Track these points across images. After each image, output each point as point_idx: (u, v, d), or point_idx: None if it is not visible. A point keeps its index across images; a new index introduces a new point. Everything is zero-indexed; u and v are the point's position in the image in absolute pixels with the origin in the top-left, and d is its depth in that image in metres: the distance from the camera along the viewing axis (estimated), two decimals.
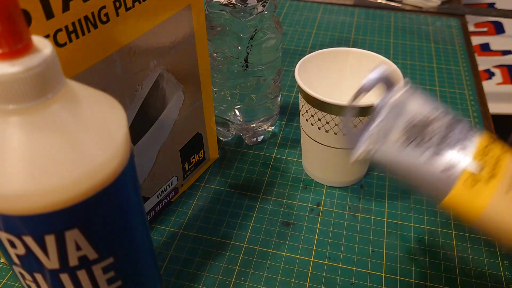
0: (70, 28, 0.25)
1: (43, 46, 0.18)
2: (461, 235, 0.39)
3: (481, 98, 0.54)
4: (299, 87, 0.39)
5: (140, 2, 0.29)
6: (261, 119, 0.46)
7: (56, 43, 0.25)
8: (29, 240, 0.20)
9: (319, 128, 0.39)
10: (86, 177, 0.19)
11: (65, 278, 0.22)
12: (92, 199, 0.20)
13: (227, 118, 0.46)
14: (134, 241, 0.24)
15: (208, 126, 0.43)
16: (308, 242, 0.39)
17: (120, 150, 0.20)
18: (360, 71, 0.43)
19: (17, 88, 0.17)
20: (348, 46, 0.64)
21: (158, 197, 0.39)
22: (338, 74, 0.44)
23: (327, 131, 0.38)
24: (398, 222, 0.40)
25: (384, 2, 0.73)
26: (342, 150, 0.39)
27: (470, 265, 0.37)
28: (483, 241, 0.39)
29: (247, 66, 0.41)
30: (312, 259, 0.37)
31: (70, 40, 0.25)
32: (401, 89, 0.28)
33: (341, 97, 0.45)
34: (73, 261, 0.21)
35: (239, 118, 0.45)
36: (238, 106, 0.45)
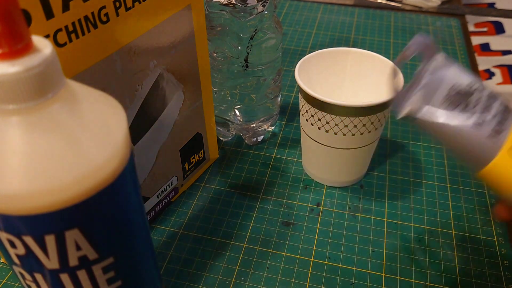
0: (70, 28, 0.25)
1: (43, 46, 0.18)
2: (461, 235, 0.39)
3: None
4: (299, 87, 0.39)
5: (140, 2, 0.29)
6: (261, 119, 0.46)
7: (56, 43, 0.25)
8: (29, 240, 0.20)
9: (319, 128, 0.39)
10: (86, 177, 0.19)
11: (65, 278, 0.22)
12: (92, 199, 0.20)
13: (227, 118, 0.46)
14: (134, 241, 0.24)
15: (208, 126, 0.43)
16: (308, 242, 0.39)
17: (120, 150, 0.20)
18: (360, 71, 0.43)
19: (17, 88, 0.17)
20: (348, 46, 0.64)
21: (158, 197, 0.39)
22: (338, 74, 0.44)
23: (327, 131, 0.38)
24: (398, 222, 0.40)
25: (384, 2, 0.73)
26: (342, 150, 0.39)
27: (470, 265, 0.37)
28: (483, 241, 0.39)
29: (247, 66, 0.41)
30: (312, 259, 0.37)
31: (70, 40, 0.25)
32: (441, 57, 0.28)
33: (341, 97, 0.45)
34: (73, 261, 0.21)
35: (239, 118, 0.45)
36: (238, 106, 0.45)
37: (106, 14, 0.27)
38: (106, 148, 0.20)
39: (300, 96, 0.40)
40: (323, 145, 0.40)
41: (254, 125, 0.46)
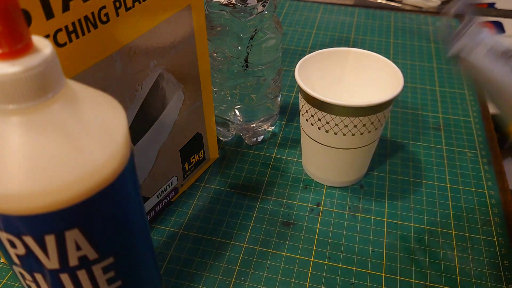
0: (70, 28, 0.25)
1: (43, 46, 0.18)
2: (461, 235, 0.39)
3: (481, 98, 0.54)
4: (299, 87, 0.39)
5: (140, 2, 0.29)
6: (261, 119, 0.46)
7: (56, 43, 0.25)
8: (29, 240, 0.20)
9: (319, 128, 0.39)
10: (86, 177, 0.19)
11: (65, 278, 0.22)
12: (92, 199, 0.20)
13: (227, 118, 0.46)
14: (134, 241, 0.24)
15: (208, 126, 0.43)
16: (308, 242, 0.39)
17: (120, 150, 0.20)
18: (360, 71, 0.43)
19: (17, 88, 0.17)
20: (348, 46, 0.64)
21: (158, 197, 0.39)
22: (338, 74, 0.44)
23: (327, 131, 0.38)
24: (398, 222, 0.40)
25: (384, 2, 0.73)
26: (342, 150, 0.39)
27: (470, 265, 0.37)
28: (483, 241, 0.39)
29: (247, 66, 0.41)
30: (312, 259, 0.37)
31: (70, 40, 0.25)
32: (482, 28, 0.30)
33: (341, 97, 0.45)
34: (73, 261, 0.21)
35: (239, 118, 0.45)
36: (238, 106, 0.45)
37: (106, 14, 0.27)
38: (106, 148, 0.20)
39: (300, 96, 0.40)
40: (323, 145, 0.40)
41: (254, 125, 0.46)
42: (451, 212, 0.41)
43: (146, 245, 0.25)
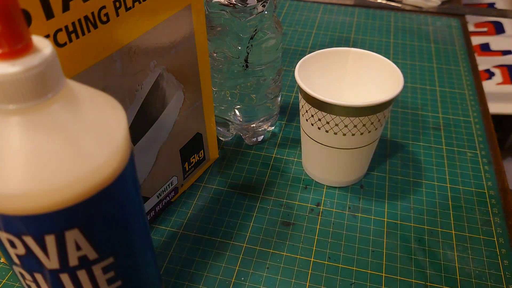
0: (70, 28, 0.25)
1: (43, 46, 0.18)
2: (461, 235, 0.39)
3: (481, 98, 0.54)
4: (299, 87, 0.39)
5: (140, 2, 0.29)
6: (261, 119, 0.46)
7: (56, 43, 0.25)
8: (29, 240, 0.20)
9: (319, 128, 0.39)
10: (86, 177, 0.19)
11: (65, 278, 0.22)
12: (92, 199, 0.20)
13: (227, 118, 0.46)
14: (134, 241, 0.24)
15: (208, 126, 0.43)
16: (308, 242, 0.39)
17: (120, 150, 0.20)
18: (360, 71, 0.43)
19: (17, 88, 0.17)
20: (348, 46, 0.64)
21: (158, 197, 0.39)
22: (338, 74, 0.44)
23: (327, 131, 0.38)
24: (398, 222, 0.40)
25: (384, 2, 0.73)
26: (342, 150, 0.39)
27: (470, 265, 0.37)
28: (483, 241, 0.39)
29: (247, 66, 0.41)
30: (312, 259, 0.37)
31: (70, 40, 0.25)
32: None
33: (341, 97, 0.45)
34: (73, 261, 0.21)
35: (239, 118, 0.45)
36: (238, 106, 0.45)
37: (106, 14, 0.27)
38: (106, 148, 0.20)
39: (300, 96, 0.40)
40: (323, 145, 0.40)
41: (254, 125, 0.46)
42: (451, 212, 0.41)
43: (146, 245, 0.25)
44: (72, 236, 0.20)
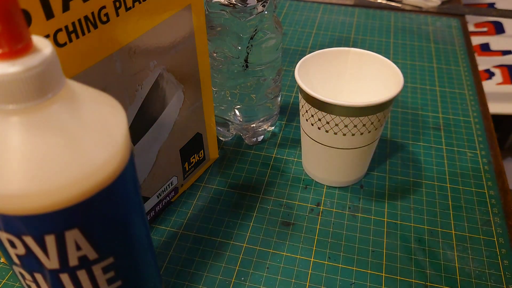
0: (70, 28, 0.25)
1: (43, 46, 0.18)
2: (461, 235, 0.39)
3: (481, 98, 0.54)
4: (299, 87, 0.39)
5: (140, 2, 0.29)
6: (261, 119, 0.46)
7: (56, 43, 0.25)
8: (29, 240, 0.20)
9: (319, 128, 0.39)
10: (86, 177, 0.19)
11: (65, 278, 0.22)
12: (92, 199, 0.20)
13: (227, 118, 0.46)
14: (134, 241, 0.24)
15: (208, 126, 0.43)
16: (308, 242, 0.39)
17: (120, 150, 0.20)
18: (360, 71, 0.43)
19: (17, 88, 0.17)
20: (348, 46, 0.64)
21: (158, 197, 0.39)
22: (338, 74, 0.44)
23: (327, 131, 0.38)
24: (398, 222, 0.40)
25: (384, 2, 0.73)
26: (342, 150, 0.39)
27: (470, 265, 0.37)
28: (483, 241, 0.39)
29: (247, 66, 0.41)
30: (312, 259, 0.37)
31: (70, 40, 0.25)
32: None
33: (341, 97, 0.45)
34: (73, 261, 0.21)
35: (239, 118, 0.45)
36: (238, 106, 0.45)
37: (106, 14, 0.27)
38: (106, 148, 0.20)
39: (300, 96, 0.40)
40: (323, 145, 0.40)
41: (254, 125, 0.46)
42: (451, 212, 0.41)
43: (146, 245, 0.25)
44: (72, 236, 0.20)
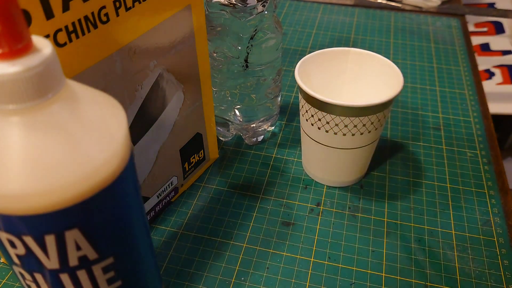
0: (70, 28, 0.25)
1: (43, 46, 0.18)
2: (461, 235, 0.39)
3: (481, 98, 0.54)
4: (299, 87, 0.39)
5: (140, 2, 0.29)
6: (261, 119, 0.46)
7: (56, 43, 0.25)
8: (29, 240, 0.20)
9: (319, 128, 0.39)
10: (86, 177, 0.19)
11: (65, 278, 0.22)
12: (92, 199, 0.20)
13: (227, 118, 0.46)
14: (134, 241, 0.24)
15: (208, 126, 0.43)
16: (308, 242, 0.39)
17: (120, 150, 0.20)
18: (360, 71, 0.43)
19: (17, 88, 0.17)
20: (348, 46, 0.64)
21: (158, 197, 0.39)
22: (338, 74, 0.44)
23: (327, 131, 0.38)
24: (398, 222, 0.40)
25: (384, 2, 0.73)
26: (342, 150, 0.39)
27: (470, 265, 0.37)
28: (483, 241, 0.39)
29: (247, 66, 0.41)
30: (312, 259, 0.37)
31: (70, 40, 0.25)
32: None
33: (341, 97, 0.45)
34: (73, 261, 0.21)
35: (239, 118, 0.45)
36: (238, 106, 0.45)
37: (106, 14, 0.27)
38: (106, 148, 0.20)
39: (300, 96, 0.40)
40: (323, 145, 0.40)
41: (254, 125, 0.46)
42: (451, 212, 0.41)
43: (146, 245, 0.25)
44: (72, 236, 0.20)
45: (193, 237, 0.39)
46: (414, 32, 0.66)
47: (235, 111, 0.45)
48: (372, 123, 0.37)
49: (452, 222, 0.40)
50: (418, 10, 0.72)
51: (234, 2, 0.38)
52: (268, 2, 0.39)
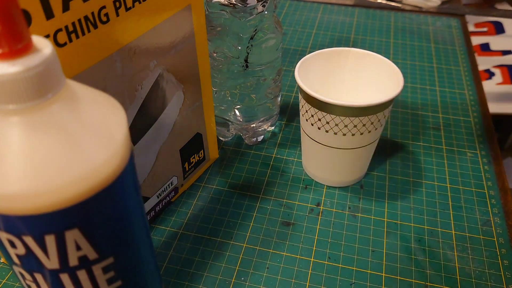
0: (70, 28, 0.25)
1: (43, 46, 0.18)
2: (461, 235, 0.39)
3: (481, 98, 0.54)
4: (299, 87, 0.39)
5: (140, 2, 0.29)
6: (261, 119, 0.46)
7: (56, 43, 0.25)
8: (29, 240, 0.20)
9: (319, 128, 0.39)
10: (86, 177, 0.19)
11: (65, 278, 0.22)
12: (92, 199, 0.20)
13: (227, 118, 0.46)
14: (134, 241, 0.24)
15: (208, 126, 0.43)
16: (308, 242, 0.39)
17: (120, 150, 0.20)
18: (360, 71, 0.43)
19: (17, 88, 0.17)
20: (348, 46, 0.64)
21: (158, 197, 0.39)
22: (338, 74, 0.44)
23: (327, 131, 0.38)
24: (398, 222, 0.40)
25: (384, 2, 0.73)
26: (342, 150, 0.39)
27: (470, 265, 0.37)
28: (483, 241, 0.39)
29: (247, 66, 0.41)
30: (312, 259, 0.37)
31: (70, 40, 0.25)
32: None
33: (341, 97, 0.45)
34: (73, 261, 0.21)
35: (239, 118, 0.45)
36: (238, 106, 0.45)
37: (106, 14, 0.27)
38: (106, 148, 0.20)
39: (300, 96, 0.40)
40: (323, 145, 0.40)
41: (254, 125, 0.46)
42: (451, 212, 0.41)
43: (146, 245, 0.25)
44: (72, 236, 0.20)
45: (193, 237, 0.39)
46: (414, 32, 0.66)
47: (235, 111, 0.45)
48: (372, 123, 0.37)
49: (452, 222, 0.40)
50: (418, 10, 0.72)
51: (234, 2, 0.38)
52: (268, 2, 0.39)
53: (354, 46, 0.64)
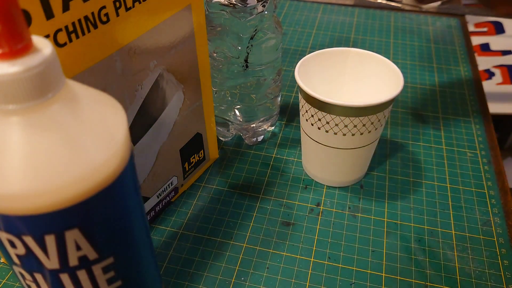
0: (70, 28, 0.25)
1: (43, 46, 0.18)
2: (461, 235, 0.39)
3: (481, 98, 0.54)
4: (299, 87, 0.39)
5: (140, 2, 0.29)
6: (261, 119, 0.46)
7: (56, 43, 0.25)
8: (29, 240, 0.20)
9: (319, 128, 0.39)
10: (86, 177, 0.19)
11: (65, 278, 0.22)
12: (92, 199, 0.20)
13: (227, 118, 0.46)
14: (134, 241, 0.24)
15: (208, 126, 0.43)
16: (308, 242, 0.39)
17: (120, 150, 0.20)
18: (360, 71, 0.43)
19: (17, 88, 0.17)
20: (348, 46, 0.64)
21: (158, 197, 0.39)
22: (338, 74, 0.44)
23: (327, 131, 0.38)
24: (398, 222, 0.40)
25: (384, 2, 0.73)
26: (342, 150, 0.39)
27: (470, 265, 0.37)
28: (483, 241, 0.39)
29: (247, 66, 0.41)
30: (312, 259, 0.37)
31: (70, 40, 0.25)
32: None
33: (341, 97, 0.45)
34: (73, 261, 0.21)
35: (239, 118, 0.45)
36: (238, 106, 0.45)
37: (106, 14, 0.27)
38: (106, 148, 0.20)
39: (300, 96, 0.40)
40: (323, 145, 0.40)
41: (254, 125, 0.46)
42: (451, 212, 0.41)
43: (146, 245, 0.25)
44: (72, 236, 0.20)
45: (193, 237, 0.39)
46: (414, 32, 0.66)
47: (235, 111, 0.45)
48: (372, 123, 0.37)
49: (452, 222, 0.40)
50: (418, 10, 0.72)
51: (234, 2, 0.38)
52: (268, 2, 0.39)
53: (354, 46, 0.64)
